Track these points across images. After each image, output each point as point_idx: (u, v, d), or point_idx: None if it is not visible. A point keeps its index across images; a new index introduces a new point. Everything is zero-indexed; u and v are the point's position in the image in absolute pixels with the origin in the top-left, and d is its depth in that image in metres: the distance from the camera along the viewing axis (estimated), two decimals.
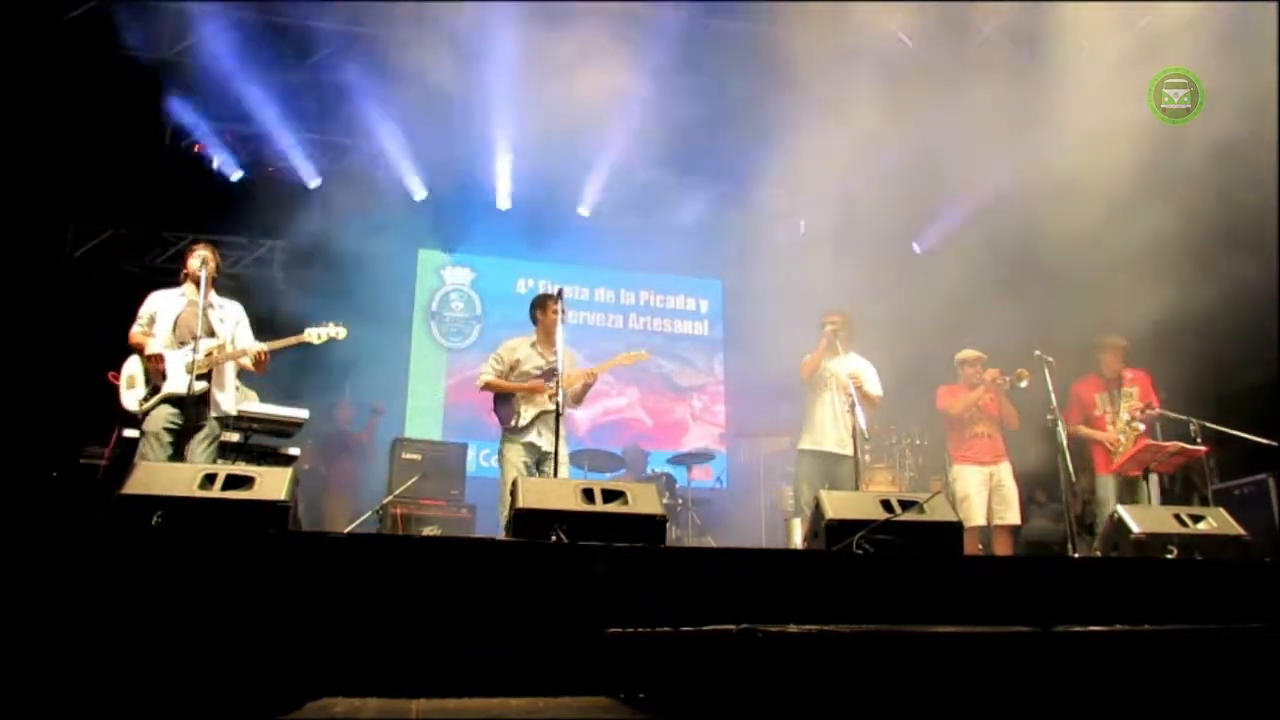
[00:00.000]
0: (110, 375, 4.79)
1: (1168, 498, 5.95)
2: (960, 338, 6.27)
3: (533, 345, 5.18)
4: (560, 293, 5.06)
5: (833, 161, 8.23)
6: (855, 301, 6.18)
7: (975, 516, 5.58)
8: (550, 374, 4.93)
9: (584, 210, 9.52)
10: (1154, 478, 5.60)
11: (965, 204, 8.90)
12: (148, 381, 4.54)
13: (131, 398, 4.55)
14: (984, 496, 5.70)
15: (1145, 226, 5.65)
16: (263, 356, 4.65)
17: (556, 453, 4.74)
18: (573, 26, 7.95)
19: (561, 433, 4.88)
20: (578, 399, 5.16)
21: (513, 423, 4.99)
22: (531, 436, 4.93)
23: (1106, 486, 5.67)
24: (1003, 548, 5.69)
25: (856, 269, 9.18)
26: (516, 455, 4.93)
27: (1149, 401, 5.70)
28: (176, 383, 4.43)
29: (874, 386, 5.49)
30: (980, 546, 5.68)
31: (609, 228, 9.65)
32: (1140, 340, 5.88)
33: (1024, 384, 5.57)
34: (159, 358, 4.49)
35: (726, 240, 10.15)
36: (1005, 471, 5.78)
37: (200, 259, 4.64)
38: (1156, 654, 2.07)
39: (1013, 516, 5.69)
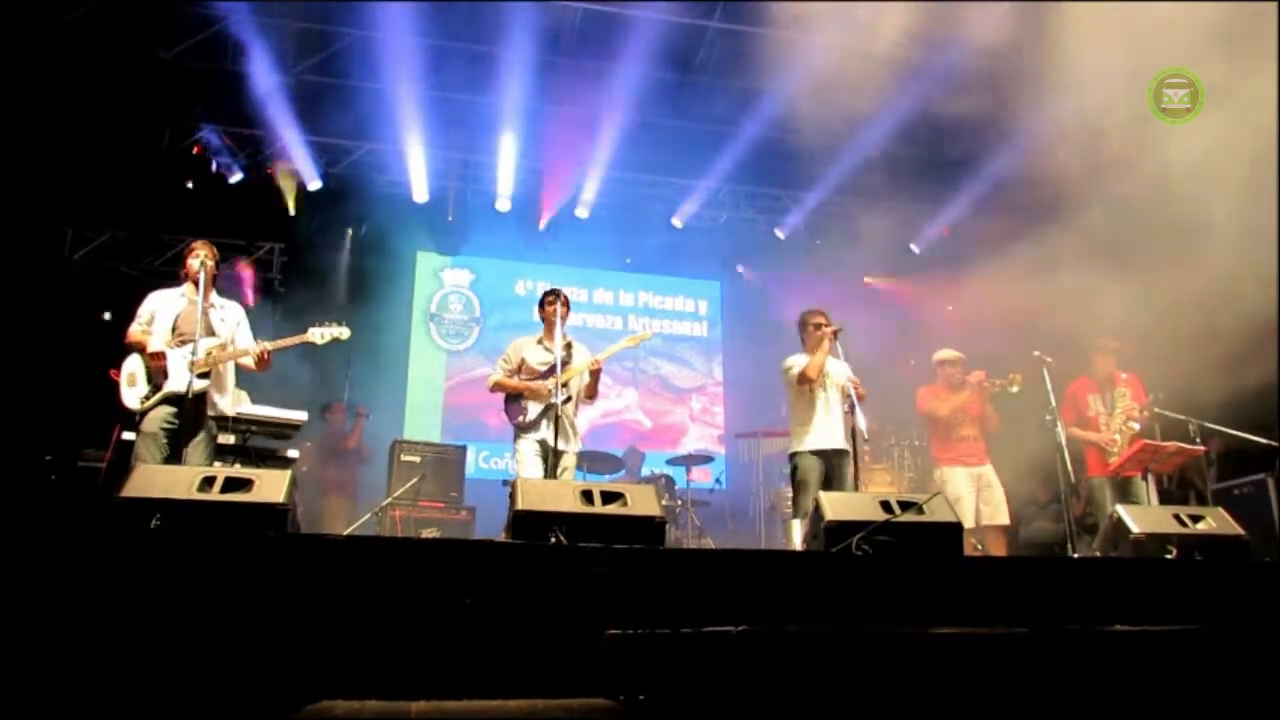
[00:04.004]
0: (111, 372, 4.78)
1: (1166, 498, 5.95)
2: (954, 339, 6.26)
3: (539, 341, 5.25)
4: (558, 294, 5.16)
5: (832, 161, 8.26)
6: (854, 302, 6.18)
7: (967, 518, 5.58)
8: (552, 370, 4.98)
9: (582, 212, 9.52)
10: (1151, 478, 5.60)
11: (961, 202, 8.93)
12: (149, 380, 4.52)
13: (133, 395, 4.52)
14: (973, 498, 5.71)
15: (1144, 224, 5.65)
16: (265, 355, 4.63)
17: (556, 446, 4.81)
18: (572, 28, 7.98)
19: (564, 427, 4.94)
20: (591, 392, 5.21)
21: (520, 419, 5.07)
22: (540, 433, 4.99)
23: (1099, 488, 5.67)
24: (998, 548, 5.70)
25: (854, 269, 9.21)
26: (529, 449, 5.01)
27: (1144, 403, 5.70)
28: (178, 381, 4.39)
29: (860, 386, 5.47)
30: (978, 548, 5.68)
31: (608, 229, 9.66)
32: (1138, 340, 5.88)
33: (1015, 389, 5.57)
34: (161, 355, 4.47)
35: (725, 242, 10.17)
36: (991, 472, 5.80)
37: (200, 259, 4.63)
38: (1156, 654, 2.07)
39: (1002, 517, 5.71)
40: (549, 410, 4.95)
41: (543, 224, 9.59)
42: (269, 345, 4.67)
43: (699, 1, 7.75)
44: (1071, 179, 6.47)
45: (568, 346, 5.12)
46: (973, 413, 5.88)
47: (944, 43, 7.06)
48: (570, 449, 5.07)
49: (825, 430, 5.21)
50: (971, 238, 8.48)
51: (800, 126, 8.06)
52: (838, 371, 5.27)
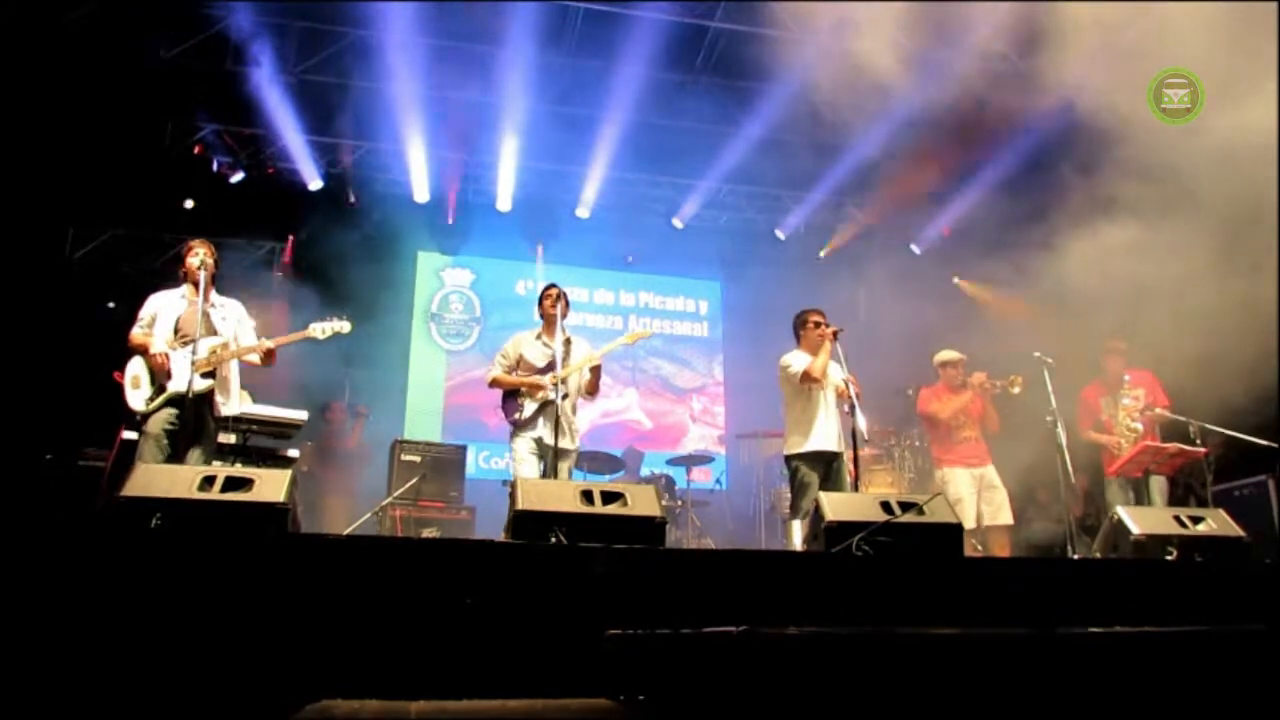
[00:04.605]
0: (115, 375, 4.77)
1: (1171, 500, 5.94)
2: (954, 340, 6.26)
3: (537, 337, 5.23)
4: (557, 290, 5.16)
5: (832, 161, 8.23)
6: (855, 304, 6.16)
7: (969, 519, 5.57)
8: (550, 366, 4.97)
9: (583, 212, 9.52)
10: (1160, 480, 5.59)
11: (961, 202, 8.93)
12: (153, 381, 4.52)
13: (138, 398, 4.52)
14: (975, 499, 5.71)
15: (1144, 224, 5.65)
16: (269, 351, 4.65)
17: (556, 445, 4.78)
18: (573, 28, 7.97)
19: (563, 424, 4.91)
20: (591, 389, 5.19)
21: (516, 416, 5.05)
22: (536, 430, 4.97)
23: (1113, 490, 5.67)
24: (1001, 548, 5.69)
25: (856, 271, 9.21)
26: (524, 447, 4.99)
27: (1151, 402, 5.69)
28: (183, 382, 4.38)
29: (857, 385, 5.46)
30: (979, 549, 5.67)
31: (608, 229, 9.66)
32: (1139, 340, 5.88)
33: (1016, 390, 5.57)
34: (164, 357, 4.47)
35: (725, 242, 10.17)
36: (993, 473, 5.79)
37: (199, 258, 4.63)
38: (1156, 655, 2.06)
39: (1005, 517, 5.71)
40: (546, 407, 4.92)
41: (543, 223, 9.61)
42: (271, 343, 4.68)
43: (699, 1, 7.74)
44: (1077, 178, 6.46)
45: (566, 343, 5.07)
46: (974, 414, 5.88)
47: (946, 40, 7.04)
48: (569, 446, 5.03)
49: (825, 432, 5.20)
50: (974, 235, 8.48)
51: (800, 126, 8.06)
52: (834, 373, 5.26)
